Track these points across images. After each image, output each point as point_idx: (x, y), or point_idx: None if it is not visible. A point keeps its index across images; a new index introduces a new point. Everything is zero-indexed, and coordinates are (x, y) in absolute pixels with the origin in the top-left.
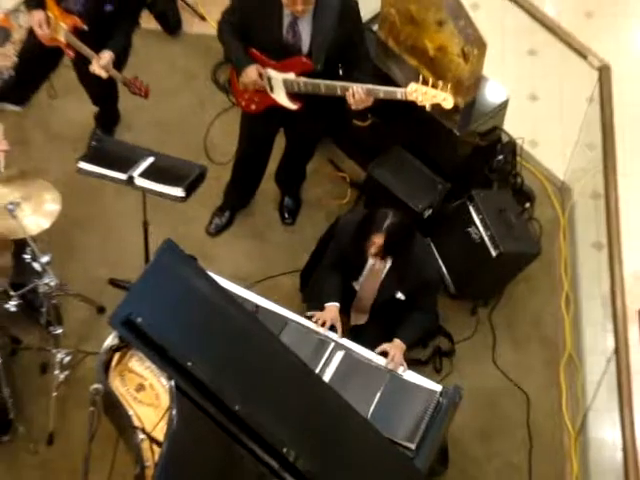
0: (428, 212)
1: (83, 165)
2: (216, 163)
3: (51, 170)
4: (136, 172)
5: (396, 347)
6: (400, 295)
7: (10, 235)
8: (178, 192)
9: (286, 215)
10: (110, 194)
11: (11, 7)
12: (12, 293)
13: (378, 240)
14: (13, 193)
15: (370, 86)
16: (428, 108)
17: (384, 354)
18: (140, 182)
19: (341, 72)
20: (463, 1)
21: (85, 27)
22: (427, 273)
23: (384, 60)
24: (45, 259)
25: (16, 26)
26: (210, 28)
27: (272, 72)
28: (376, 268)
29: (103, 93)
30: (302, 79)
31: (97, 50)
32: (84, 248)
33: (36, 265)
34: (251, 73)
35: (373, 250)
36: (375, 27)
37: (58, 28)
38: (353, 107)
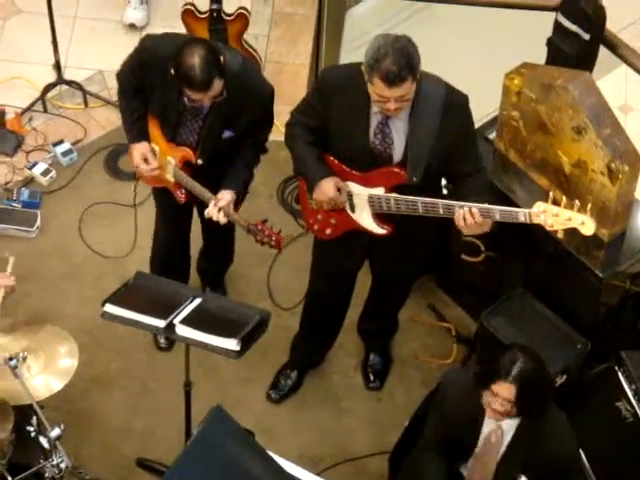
0: (561, 379)
1: (110, 308)
2: (281, 308)
3: (67, 313)
4: (178, 318)
5: None
6: None
7: (11, 400)
8: (232, 345)
9: (371, 377)
10: (142, 345)
11: (25, 106)
12: (10, 479)
13: (504, 392)
14: (16, 343)
15: (485, 205)
16: (560, 235)
17: None
18: (182, 331)
19: (444, 186)
20: (610, 101)
21: (199, 161)
22: (563, 453)
23: (503, 178)
24: (55, 432)
25: (29, 129)
26: (277, 132)
27: (354, 186)
28: (492, 441)
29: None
30: (393, 195)
31: (212, 189)
32: (105, 417)
33: (43, 440)
34: (327, 188)
35: (497, 406)
36: (492, 135)
37: (165, 164)
38: (464, 232)
